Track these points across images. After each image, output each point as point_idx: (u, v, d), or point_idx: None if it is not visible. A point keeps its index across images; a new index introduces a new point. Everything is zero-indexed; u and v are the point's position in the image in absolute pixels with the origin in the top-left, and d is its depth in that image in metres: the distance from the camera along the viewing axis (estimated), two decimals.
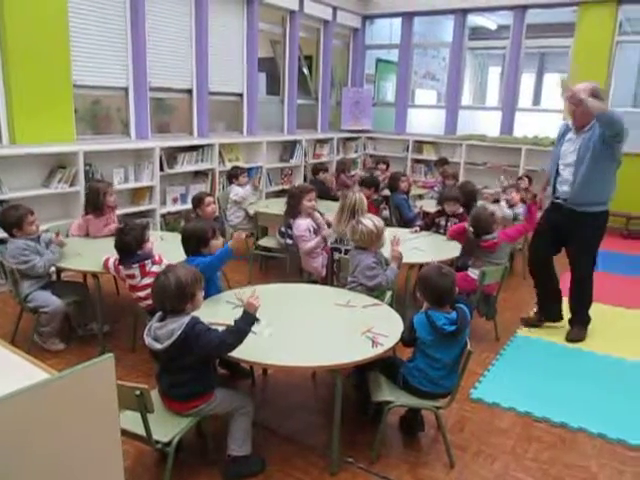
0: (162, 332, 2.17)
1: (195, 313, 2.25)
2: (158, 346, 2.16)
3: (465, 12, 8.13)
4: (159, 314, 2.24)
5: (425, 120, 9.12)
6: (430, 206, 5.40)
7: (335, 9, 8.14)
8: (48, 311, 3.40)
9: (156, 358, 2.29)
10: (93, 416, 1.48)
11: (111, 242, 3.29)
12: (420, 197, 6.59)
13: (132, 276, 3.21)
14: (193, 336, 2.13)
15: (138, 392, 1.95)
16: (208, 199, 4.34)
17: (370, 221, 3.12)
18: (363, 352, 2.33)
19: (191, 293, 2.20)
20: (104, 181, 4.28)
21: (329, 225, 4.11)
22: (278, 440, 2.67)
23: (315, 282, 4.06)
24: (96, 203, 4.07)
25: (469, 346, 2.41)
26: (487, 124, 8.31)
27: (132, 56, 5.55)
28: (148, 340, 2.20)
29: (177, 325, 2.14)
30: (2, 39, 4.44)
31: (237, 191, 5.36)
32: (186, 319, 2.16)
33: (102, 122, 5.66)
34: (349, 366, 2.39)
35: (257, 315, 2.24)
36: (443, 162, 7.02)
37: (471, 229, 3.86)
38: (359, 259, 3.11)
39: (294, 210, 4.21)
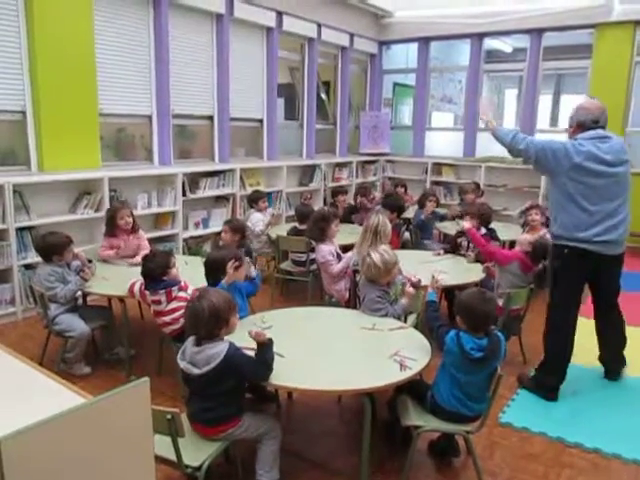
0: (200, 357, 2.18)
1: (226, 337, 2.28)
2: (196, 371, 2.17)
3: (481, 36, 8.21)
4: (193, 338, 2.25)
5: (442, 143, 9.15)
6: (451, 229, 5.41)
7: (352, 36, 8.27)
8: (74, 335, 3.44)
9: (187, 382, 2.29)
10: (128, 440, 1.48)
11: (135, 267, 3.34)
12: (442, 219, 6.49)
13: (158, 302, 3.24)
14: (233, 365, 2.15)
15: (169, 416, 1.96)
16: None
17: (379, 255, 3.03)
18: (392, 375, 2.31)
19: (225, 319, 2.22)
20: (120, 202, 4.31)
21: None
22: (305, 465, 2.65)
23: (337, 305, 4.06)
24: (108, 224, 4.15)
25: (499, 370, 2.38)
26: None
27: (155, 85, 5.69)
28: (183, 364, 2.22)
29: (216, 352, 2.16)
30: (32, 71, 4.59)
31: (256, 218, 5.40)
32: (224, 347, 2.17)
33: (126, 149, 5.79)
34: (379, 390, 2.36)
35: (272, 337, 2.26)
36: (476, 187, 6.82)
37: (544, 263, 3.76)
38: (365, 292, 3.09)
39: (323, 234, 4.21)
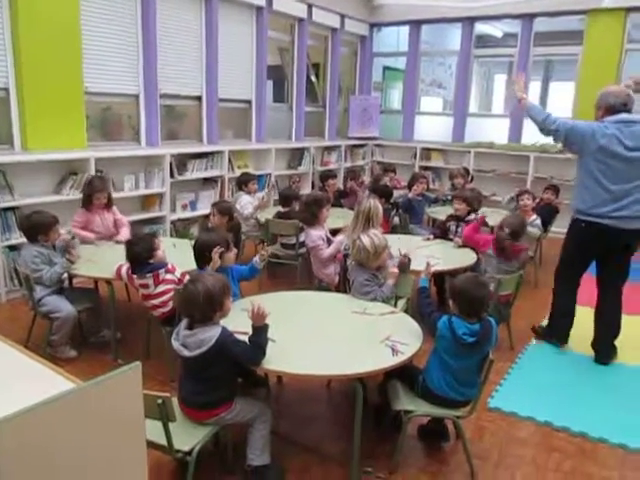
0: (191, 340, 2.16)
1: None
2: (187, 353, 2.16)
3: (472, 20, 8.15)
4: (186, 320, 2.22)
5: (431, 128, 9.11)
6: (440, 214, 5.41)
7: (343, 17, 8.16)
8: (60, 316, 3.39)
9: (182, 361, 2.28)
10: (120, 426, 1.46)
11: (120, 246, 3.29)
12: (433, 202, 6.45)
13: (145, 285, 3.19)
14: (224, 350, 2.14)
15: (160, 401, 1.93)
16: None
17: (369, 239, 3.04)
18: (384, 360, 2.30)
19: (220, 302, 2.19)
20: (101, 180, 4.27)
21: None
22: (296, 449, 2.65)
23: (326, 289, 4.04)
24: (85, 200, 4.14)
25: (490, 355, 2.39)
26: (494, 131, 8.31)
27: (143, 63, 5.57)
28: (176, 345, 2.20)
29: (207, 336, 2.14)
30: (15, 47, 4.46)
31: (245, 201, 5.33)
32: (216, 332, 2.15)
33: (113, 129, 5.67)
34: (371, 375, 2.36)
35: (268, 321, 2.23)
36: (465, 172, 6.77)
37: (507, 230, 3.86)
38: (354, 275, 3.09)
39: (315, 218, 4.18)
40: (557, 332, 3.85)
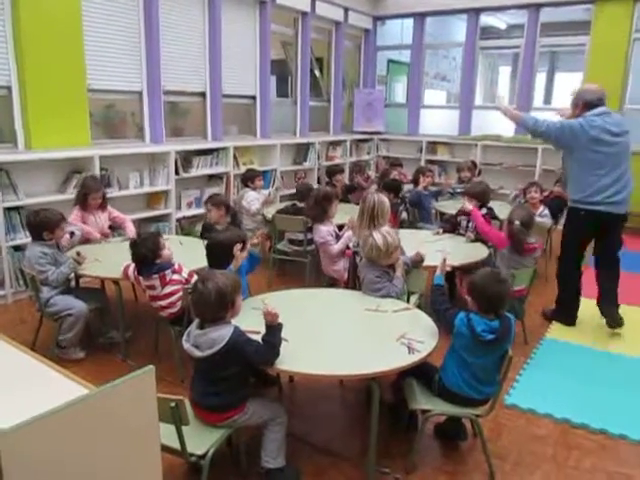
0: (203, 340, 2.11)
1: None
2: (198, 353, 2.11)
3: (478, 12, 8.05)
4: (198, 320, 2.18)
5: (435, 121, 9.02)
6: (448, 208, 5.34)
7: (347, 10, 8.08)
8: (73, 313, 3.33)
9: (194, 362, 2.23)
10: (134, 431, 1.42)
11: (126, 247, 3.24)
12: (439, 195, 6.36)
13: (152, 287, 3.14)
14: (236, 350, 2.08)
15: (173, 404, 1.88)
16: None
17: (381, 236, 2.95)
18: (401, 359, 2.24)
19: (231, 301, 2.14)
20: (94, 181, 4.25)
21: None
22: (310, 450, 2.59)
23: (333, 286, 3.99)
24: (81, 200, 4.11)
25: (510, 352, 2.33)
26: (500, 124, 8.20)
27: (146, 60, 5.50)
28: (187, 346, 2.15)
29: (219, 335, 2.09)
30: (18, 45, 4.40)
31: (252, 197, 5.28)
32: (228, 331, 2.10)
33: (117, 126, 5.61)
34: (388, 374, 2.30)
35: (280, 320, 2.19)
36: (472, 165, 6.67)
37: (517, 222, 3.79)
38: (365, 272, 3.03)
39: (324, 214, 4.12)
40: (565, 313, 4.03)
